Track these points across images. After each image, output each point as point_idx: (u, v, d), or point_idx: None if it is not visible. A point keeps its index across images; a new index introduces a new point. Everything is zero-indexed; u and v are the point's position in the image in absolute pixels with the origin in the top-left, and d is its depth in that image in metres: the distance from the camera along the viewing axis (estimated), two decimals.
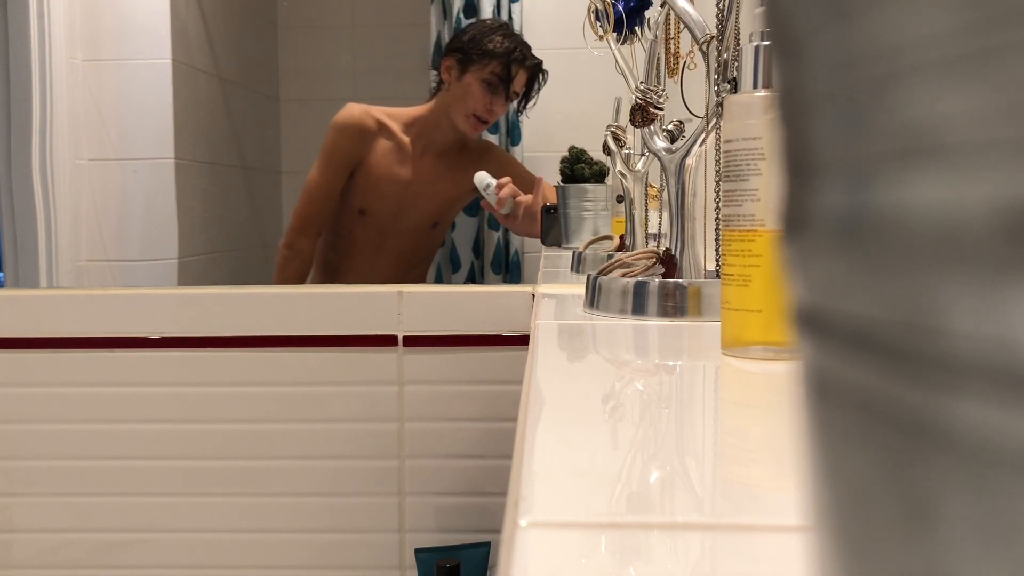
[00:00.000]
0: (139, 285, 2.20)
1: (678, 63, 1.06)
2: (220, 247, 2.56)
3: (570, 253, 1.48)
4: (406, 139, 2.10)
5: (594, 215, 1.78)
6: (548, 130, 2.42)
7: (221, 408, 1.20)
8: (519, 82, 2.07)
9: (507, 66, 2.03)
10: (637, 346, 0.72)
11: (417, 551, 1.16)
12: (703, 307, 0.77)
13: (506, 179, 1.95)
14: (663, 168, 0.86)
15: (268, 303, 1.19)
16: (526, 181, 2.15)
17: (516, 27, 2.44)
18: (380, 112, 2.10)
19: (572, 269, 1.41)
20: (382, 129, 2.09)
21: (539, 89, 2.15)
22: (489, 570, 1.15)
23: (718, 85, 0.74)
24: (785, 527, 0.29)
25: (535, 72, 2.10)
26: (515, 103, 2.12)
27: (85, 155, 2.22)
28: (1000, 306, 0.08)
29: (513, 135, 2.42)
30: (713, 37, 0.75)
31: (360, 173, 2.10)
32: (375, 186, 2.10)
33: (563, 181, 1.84)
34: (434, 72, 2.13)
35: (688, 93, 0.88)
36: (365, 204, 2.11)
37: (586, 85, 2.24)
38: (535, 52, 2.46)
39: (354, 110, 2.09)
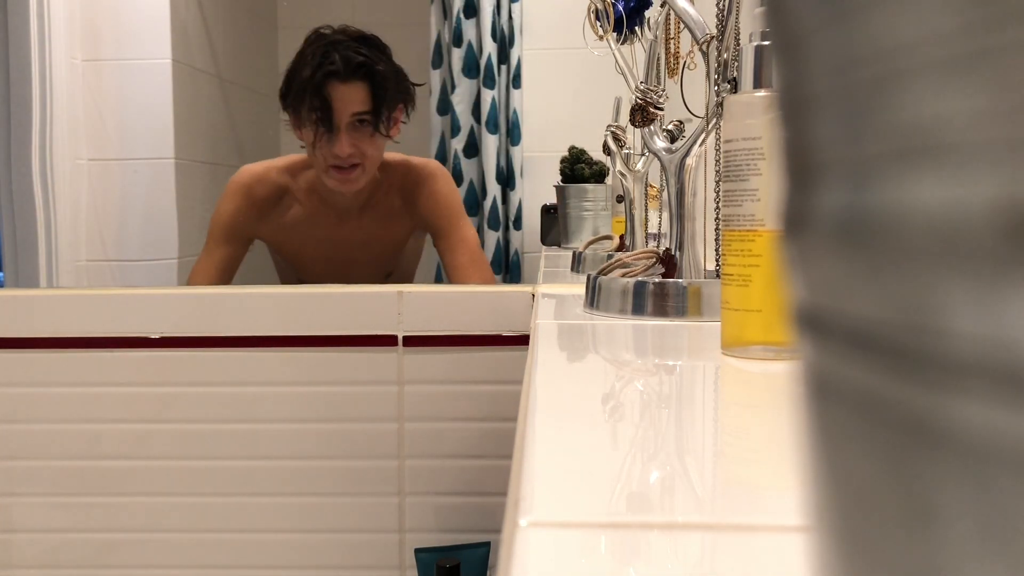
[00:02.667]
0: (139, 285, 2.19)
1: (678, 63, 1.06)
2: None
3: (570, 253, 1.48)
4: (317, 197, 1.72)
5: (594, 215, 1.78)
6: (548, 130, 2.42)
7: (221, 408, 1.20)
8: (354, 100, 1.56)
9: (323, 91, 1.55)
10: (637, 346, 0.72)
11: (417, 551, 1.16)
12: (703, 307, 0.77)
13: None
14: (663, 168, 0.86)
15: (268, 303, 1.19)
16: (451, 222, 1.71)
17: (516, 27, 2.43)
18: (276, 172, 1.72)
19: (572, 269, 1.41)
20: (284, 192, 1.72)
21: (394, 96, 1.61)
22: (489, 570, 1.15)
23: (718, 85, 0.74)
24: (785, 527, 0.29)
25: (372, 79, 1.56)
26: (377, 123, 1.58)
27: (85, 155, 2.22)
28: (1000, 306, 0.08)
29: (513, 135, 2.42)
30: (713, 37, 0.75)
31: (279, 245, 1.78)
32: (304, 258, 1.76)
33: (563, 181, 1.85)
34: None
35: (688, 93, 0.88)
36: (304, 276, 1.80)
37: (586, 85, 2.24)
38: (534, 53, 2.46)
39: (247, 173, 1.74)
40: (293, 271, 1.81)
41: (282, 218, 1.73)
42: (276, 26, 3.16)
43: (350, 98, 1.56)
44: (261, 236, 1.77)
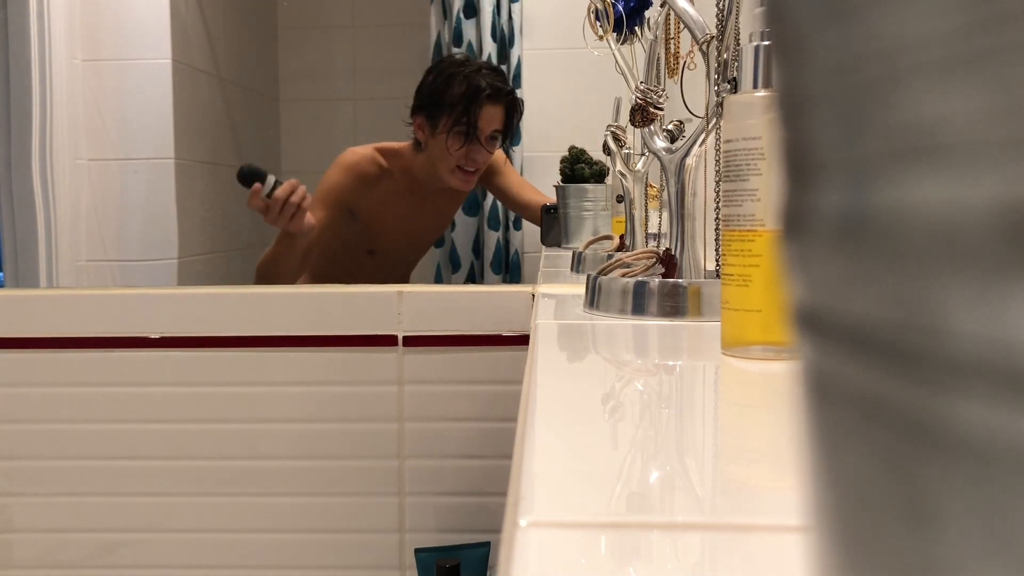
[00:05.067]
0: (139, 285, 2.19)
1: (678, 63, 1.06)
2: (220, 247, 2.56)
3: (570, 253, 1.48)
4: (407, 180, 2.05)
5: (594, 215, 1.78)
6: (548, 130, 2.42)
7: (221, 408, 1.20)
8: (494, 120, 1.94)
9: (475, 110, 1.90)
10: (637, 346, 0.72)
11: (417, 551, 1.16)
12: (703, 307, 0.77)
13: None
14: (663, 168, 0.86)
15: (268, 303, 1.19)
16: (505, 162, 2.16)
17: (516, 27, 2.43)
18: (380, 155, 2.04)
19: (572, 269, 1.41)
20: (384, 173, 2.03)
21: (518, 120, 2.04)
22: (489, 570, 1.15)
23: (718, 85, 0.74)
24: (785, 527, 0.29)
25: (510, 104, 1.96)
26: (500, 142, 2.00)
27: (85, 155, 2.22)
28: (1000, 306, 0.08)
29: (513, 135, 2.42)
30: (713, 37, 0.75)
31: (366, 216, 2.05)
32: (384, 229, 2.07)
33: (563, 181, 1.85)
34: (408, 123, 2.03)
35: (688, 93, 0.88)
36: (375, 245, 2.09)
37: (586, 85, 2.24)
38: (534, 53, 2.46)
39: (357, 153, 2.04)
40: (366, 240, 2.09)
41: (376, 193, 2.03)
42: (276, 26, 3.16)
43: (497, 119, 1.92)
44: (355, 206, 2.05)
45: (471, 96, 1.89)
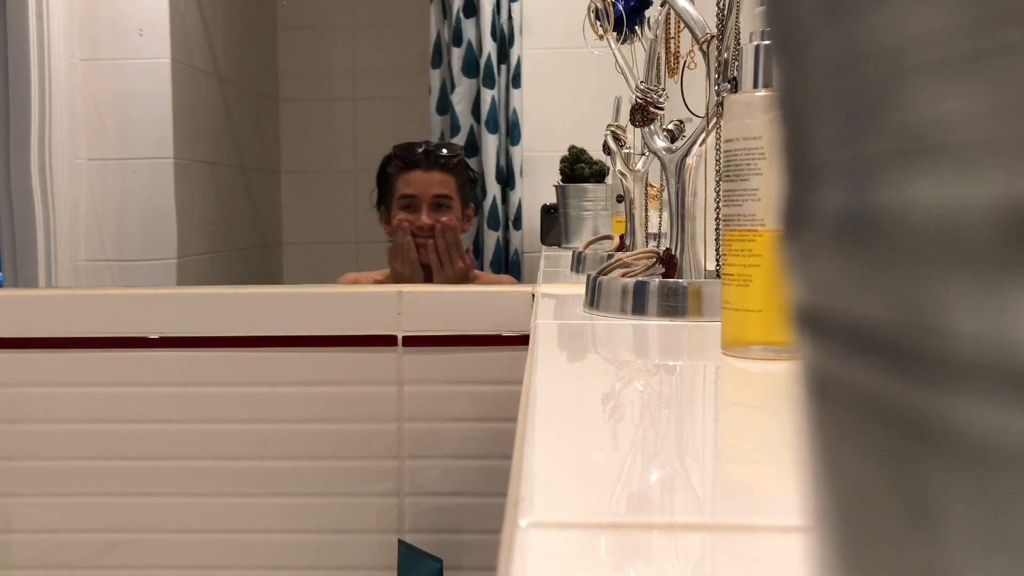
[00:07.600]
0: (139, 285, 2.19)
1: (678, 63, 1.06)
2: (220, 247, 2.55)
3: (570, 253, 1.48)
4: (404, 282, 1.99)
5: (594, 215, 1.78)
6: (548, 130, 2.42)
7: (221, 408, 1.20)
8: (433, 184, 1.88)
9: (405, 176, 1.87)
10: (637, 346, 0.72)
11: (401, 542, 1.16)
12: (703, 307, 0.77)
13: None
14: (663, 168, 0.86)
15: (268, 303, 1.19)
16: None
17: (516, 26, 2.44)
18: (377, 276, 1.99)
19: (572, 269, 1.41)
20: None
21: (472, 185, 1.98)
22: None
23: (718, 84, 0.74)
24: (785, 527, 0.29)
25: (455, 167, 1.91)
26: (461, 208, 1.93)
27: (84, 155, 2.22)
28: (1000, 306, 0.08)
29: (513, 135, 2.42)
30: (713, 36, 0.75)
31: None
32: None
33: (563, 181, 1.85)
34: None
35: (688, 93, 0.88)
36: None
37: (586, 85, 2.24)
38: (534, 52, 2.46)
39: (354, 275, 2.01)
40: None
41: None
42: (276, 26, 3.16)
43: (441, 183, 1.88)
44: None
45: (400, 164, 1.90)
